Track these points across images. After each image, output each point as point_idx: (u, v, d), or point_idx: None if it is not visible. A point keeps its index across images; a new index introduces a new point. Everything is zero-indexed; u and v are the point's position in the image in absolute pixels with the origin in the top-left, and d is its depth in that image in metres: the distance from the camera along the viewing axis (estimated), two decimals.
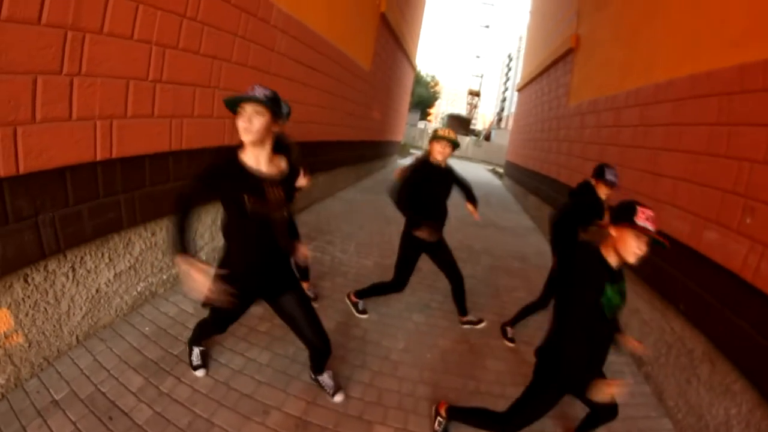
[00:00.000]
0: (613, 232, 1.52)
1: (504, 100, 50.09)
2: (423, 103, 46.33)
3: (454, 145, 2.61)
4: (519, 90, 13.26)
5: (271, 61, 3.72)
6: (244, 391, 2.09)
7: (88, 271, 2.21)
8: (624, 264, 1.54)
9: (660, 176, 3.31)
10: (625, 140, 4.21)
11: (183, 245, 1.53)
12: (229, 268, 1.67)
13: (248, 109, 1.48)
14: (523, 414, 1.72)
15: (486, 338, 3.01)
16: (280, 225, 1.68)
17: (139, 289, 2.63)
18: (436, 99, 51.87)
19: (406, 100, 14.94)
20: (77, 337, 2.21)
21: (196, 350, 2.22)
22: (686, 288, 2.65)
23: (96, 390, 1.92)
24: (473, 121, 47.80)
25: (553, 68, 8.80)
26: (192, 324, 2.53)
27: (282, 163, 1.71)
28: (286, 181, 1.68)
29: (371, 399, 2.21)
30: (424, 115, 47.90)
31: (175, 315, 2.65)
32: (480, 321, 3.14)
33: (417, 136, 31.83)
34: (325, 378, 2.17)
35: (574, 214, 2.77)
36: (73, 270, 2.11)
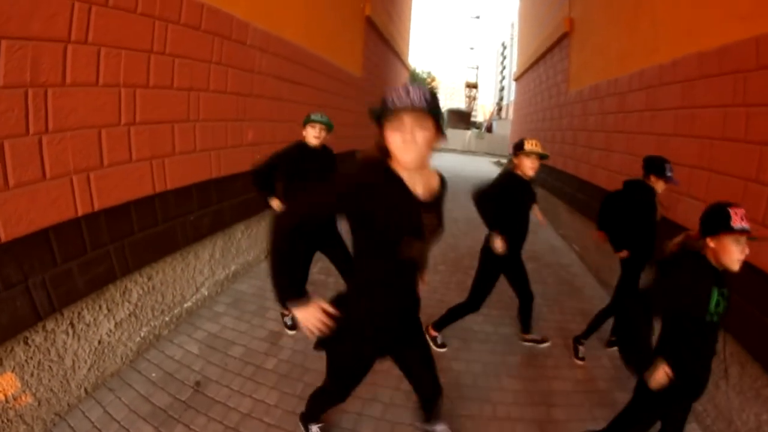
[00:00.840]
0: (711, 243, 1.45)
1: (502, 89, 49.90)
2: None
3: (543, 157, 2.52)
4: (516, 79, 13.12)
5: (253, 83, 3.67)
6: None
7: (88, 325, 2.20)
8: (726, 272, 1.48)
9: (673, 164, 3.12)
10: (632, 126, 4.09)
11: (297, 288, 1.26)
12: (357, 314, 1.35)
13: (407, 120, 1.16)
14: None
15: (500, 354, 2.93)
16: (424, 260, 1.42)
17: (142, 335, 2.61)
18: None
19: None
20: (86, 390, 2.20)
21: (314, 428, 1.97)
22: None
23: None
24: (473, 114, 47.61)
25: (549, 54, 8.67)
26: (198, 365, 2.54)
27: (434, 180, 1.36)
28: (438, 203, 1.36)
29: None
30: None
31: (180, 358, 2.61)
32: (544, 340, 3.08)
33: None
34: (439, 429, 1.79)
35: (632, 214, 2.73)
36: (72, 326, 2.10)
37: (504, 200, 2.58)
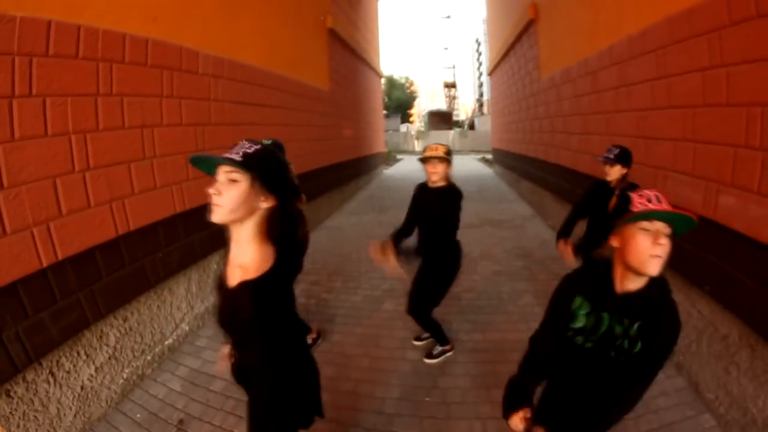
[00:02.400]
0: (615, 243, 1.25)
1: (481, 85, 50.83)
2: (402, 106, 46.98)
3: (445, 159, 2.54)
4: (490, 74, 13.41)
5: (210, 111, 3.81)
6: None
7: (68, 372, 2.30)
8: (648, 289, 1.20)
9: (655, 140, 3.17)
10: (608, 106, 4.12)
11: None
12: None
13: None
14: None
15: (492, 365, 2.88)
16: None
17: (125, 376, 2.70)
18: (414, 99, 52.58)
19: (377, 109, 15.11)
20: None
21: None
22: (709, 266, 2.45)
23: None
24: (455, 113, 48.29)
25: (518, 44, 8.92)
26: (181, 402, 2.60)
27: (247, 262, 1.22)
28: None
29: None
30: (406, 118, 48.42)
31: (164, 396, 2.69)
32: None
33: (401, 141, 32.10)
34: None
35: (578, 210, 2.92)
36: (53, 374, 2.21)
37: (411, 208, 2.77)
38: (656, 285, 1.19)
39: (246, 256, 1.19)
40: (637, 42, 3.44)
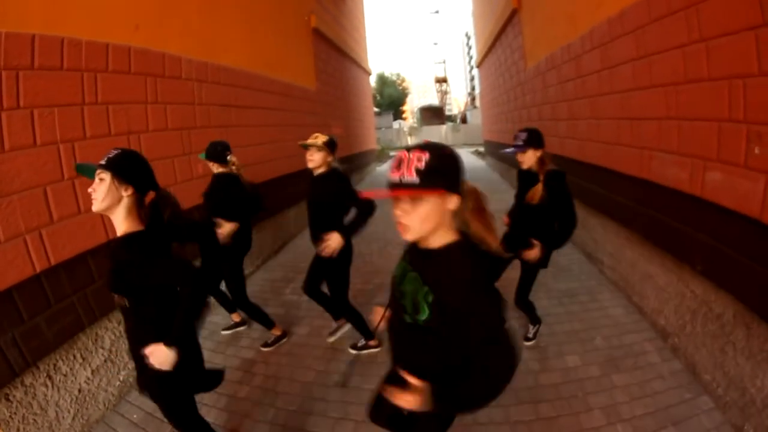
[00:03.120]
0: None
1: (472, 79, 51.01)
2: (395, 103, 47.07)
3: (305, 147, 2.76)
4: (478, 66, 13.56)
5: (195, 115, 3.93)
6: None
7: (65, 375, 2.39)
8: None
9: (640, 120, 3.20)
10: (592, 90, 4.17)
11: None
12: None
13: None
14: None
15: None
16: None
17: (121, 378, 2.79)
18: (406, 95, 52.67)
19: (367, 106, 15.23)
20: None
21: None
22: (699, 244, 2.46)
23: None
24: (447, 108, 48.45)
25: (503, 35, 9.06)
26: None
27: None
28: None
29: None
30: (399, 115, 48.53)
31: None
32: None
33: (394, 138, 32.21)
34: None
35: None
36: (50, 378, 2.30)
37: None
38: (451, 246, 1.14)
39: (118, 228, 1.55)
40: (616, 23, 3.49)
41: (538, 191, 2.49)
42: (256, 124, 5.30)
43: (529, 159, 2.59)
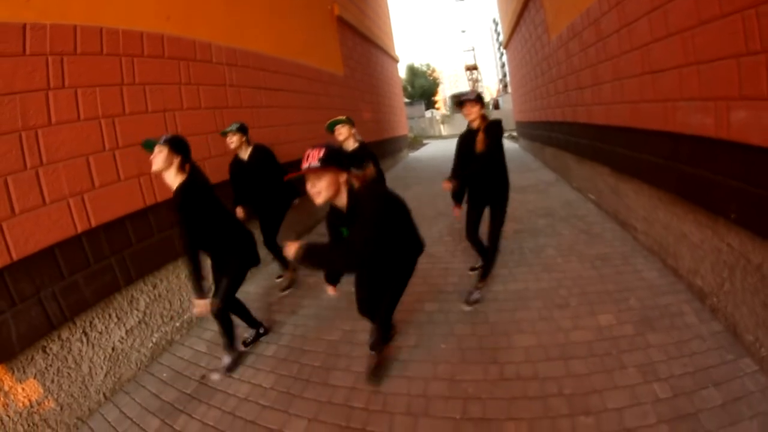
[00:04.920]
0: None
1: (503, 66, 49.54)
2: (426, 93, 46.53)
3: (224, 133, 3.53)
4: (505, 47, 13.17)
5: (227, 96, 4.08)
6: (248, 417, 2.25)
7: (100, 333, 2.56)
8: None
9: (660, 72, 3.07)
10: (613, 51, 4.06)
11: None
12: None
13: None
14: None
15: (509, 311, 2.90)
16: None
17: (154, 340, 2.95)
18: (438, 86, 51.93)
19: (397, 93, 15.16)
20: (104, 395, 2.54)
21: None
22: (732, 190, 2.29)
23: None
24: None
25: (525, 11, 8.83)
26: (204, 361, 2.80)
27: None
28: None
29: (376, 407, 2.20)
30: (432, 105, 47.99)
31: (189, 357, 2.91)
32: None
33: (427, 127, 31.93)
34: None
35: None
36: (86, 334, 2.46)
37: None
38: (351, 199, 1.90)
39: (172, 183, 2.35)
40: None
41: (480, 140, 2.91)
42: (286, 105, 5.42)
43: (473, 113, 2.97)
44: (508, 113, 26.77)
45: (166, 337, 3.06)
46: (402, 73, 19.70)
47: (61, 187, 2.37)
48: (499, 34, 52.80)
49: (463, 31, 77.46)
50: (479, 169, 2.92)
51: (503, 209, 3.08)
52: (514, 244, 4.15)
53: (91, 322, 2.50)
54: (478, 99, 2.97)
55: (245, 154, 3.55)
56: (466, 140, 3.03)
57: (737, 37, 2.12)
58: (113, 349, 2.63)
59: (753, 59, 2.02)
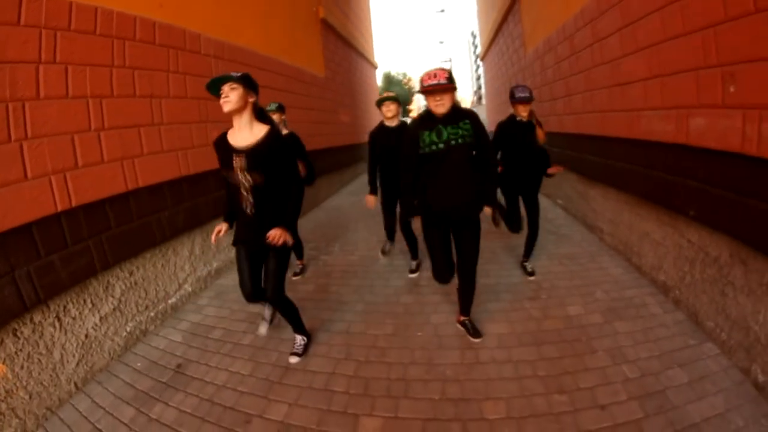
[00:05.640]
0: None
1: (479, 78, 50.74)
2: (401, 101, 46.83)
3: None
4: (482, 59, 13.57)
5: None
6: (227, 404, 2.22)
7: (74, 318, 2.45)
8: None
9: (628, 84, 3.35)
10: (585, 64, 4.34)
11: None
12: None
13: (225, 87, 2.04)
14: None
15: (482, 303, 3.00)
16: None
17: (128, 329, 2.85)
18: (413, 94, 52.47)
19: (374, 98, 15.28)
20: (76, 384, 2.42)
21: None
22: (690, 190, 2.55)
23: (93, 428, 2.12)
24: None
25: (504, 24, 9.15)
26: (180, 351, 2.74)
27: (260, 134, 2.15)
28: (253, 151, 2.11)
29: (357, 391, 2.24)
30: (406, 113, 48.42)
31: (165, 347, 2.83)
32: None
33: None
34: None
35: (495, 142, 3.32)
36: (59, 319, 2.35)
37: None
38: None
39: (249, 134, 2.16)
40: None
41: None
42: (268, 102, 5.37)
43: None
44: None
45: (141, 326, 2.98)
46: (378, 80, 19.84)
47: (44, 163, 2.30)
48: (476, 47, 54.12)
49: (442, 42, 78.88)
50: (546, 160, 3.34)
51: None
52: (484, 244, 4.25)
53: (65, 307, 2.40)
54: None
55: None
56: (514, 130, 3.30)
57: (696, 52, 2.39)
58: (86, 336, 2.53)
59: (710, 73, 2.29)
